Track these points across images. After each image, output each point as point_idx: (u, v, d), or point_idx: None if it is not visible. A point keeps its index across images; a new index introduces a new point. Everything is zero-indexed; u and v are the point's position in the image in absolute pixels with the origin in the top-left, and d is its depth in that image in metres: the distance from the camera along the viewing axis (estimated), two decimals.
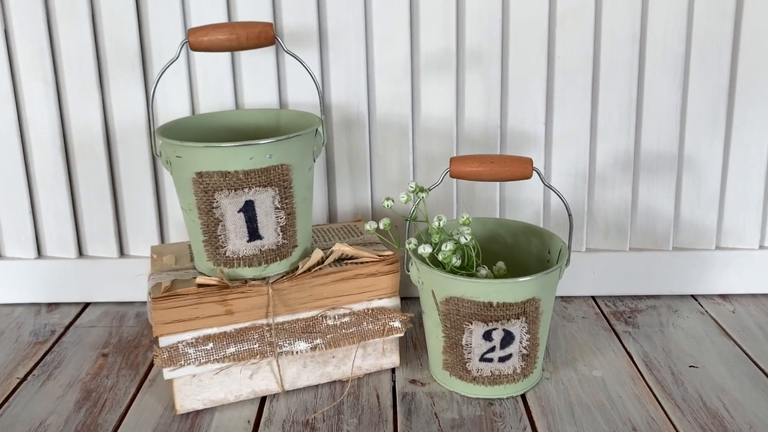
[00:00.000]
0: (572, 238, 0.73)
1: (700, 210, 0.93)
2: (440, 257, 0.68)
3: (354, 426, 0.69)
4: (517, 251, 0.82)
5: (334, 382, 0.77)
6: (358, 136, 0.90)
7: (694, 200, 0.93)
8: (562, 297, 0.96)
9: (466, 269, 0.73)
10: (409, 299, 0.95)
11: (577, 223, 0.93)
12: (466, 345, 0.70)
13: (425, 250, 0.68)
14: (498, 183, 0.92)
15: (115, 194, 0.93)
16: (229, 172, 0.66)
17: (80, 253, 0.95)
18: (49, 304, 0.96)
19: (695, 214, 0.93)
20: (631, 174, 0.92)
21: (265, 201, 0.68)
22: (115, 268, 0.94)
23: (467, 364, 0.72)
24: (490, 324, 0.69)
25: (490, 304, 0.68)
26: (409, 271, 0.75)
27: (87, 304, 0.96)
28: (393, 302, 0.76)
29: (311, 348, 0.73)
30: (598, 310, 0.92)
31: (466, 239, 0.69)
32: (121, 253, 0.95)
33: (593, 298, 0.96)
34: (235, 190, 0.67)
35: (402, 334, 0.77)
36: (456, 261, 0.69)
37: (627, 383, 0.76)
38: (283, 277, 0.71)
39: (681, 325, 0.88)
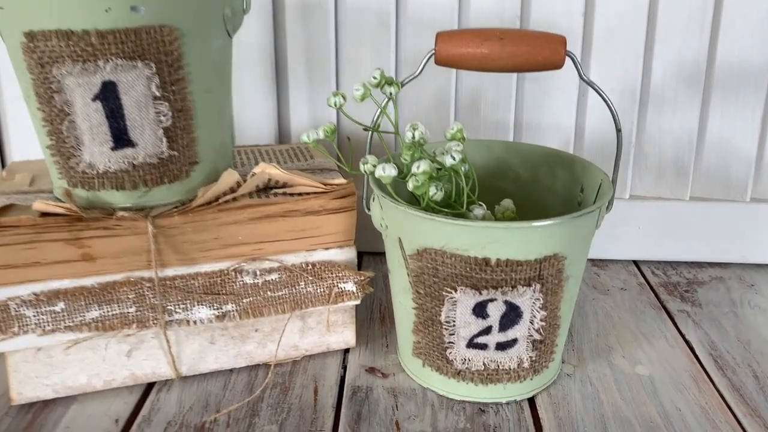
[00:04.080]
0: (619, 166, 0.48)
1: None
2: (411, 186, 0.44)
3: None
4: (535, 190, 0.56)
5: (258, 366, 0.53)
6: (320, 27, 0.65)
7: None
8: (592, 260, 0.71)
9: (453, 208, 0.48)
10: (374, 255, 0.70)
11: (623, 162, 0.67)
12: (448, 322, 0.46)
13: (387, 171, 0.43)
14: (513, 98, 0.66)
15: None
16: (73, 33, 0.41)
17: None
18: None
19: None
20: (699, 93, 0.65)
21: (135, 84, 0.43)
22: None
23: (449, 351, 0.47)
24: (484, 292, 0.44)
25: (487, 261, 0.43)
26: (369, 209, 0.51)
27: None
28: (345, 255, 0.52)
29: (218, 316, 0.49)
30: (643, 280, 0.67)
31: (453, 159, 0.44)
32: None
33: (636, 263, 0.71)
34: (85, 63, 0.42)
35: (358, 302, 0.52)
36: (436, 193, 0.44)
37: (688, 388, 0.51)
38: (173, 209, 0.47)
39: (761, 305, 0.63)
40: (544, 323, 0.46)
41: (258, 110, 0.67)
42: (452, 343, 0.47)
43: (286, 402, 0.49)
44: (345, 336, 0.54)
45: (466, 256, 0.43)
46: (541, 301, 0.45)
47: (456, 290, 0.44)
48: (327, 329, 0.53)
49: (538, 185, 0.56)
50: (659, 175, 0.69)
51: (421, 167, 0.42)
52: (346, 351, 0.55)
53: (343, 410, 0.48)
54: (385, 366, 0.53)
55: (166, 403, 0.49)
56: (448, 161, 0.44)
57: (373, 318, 0.60)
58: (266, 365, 0.53)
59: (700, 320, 0.60)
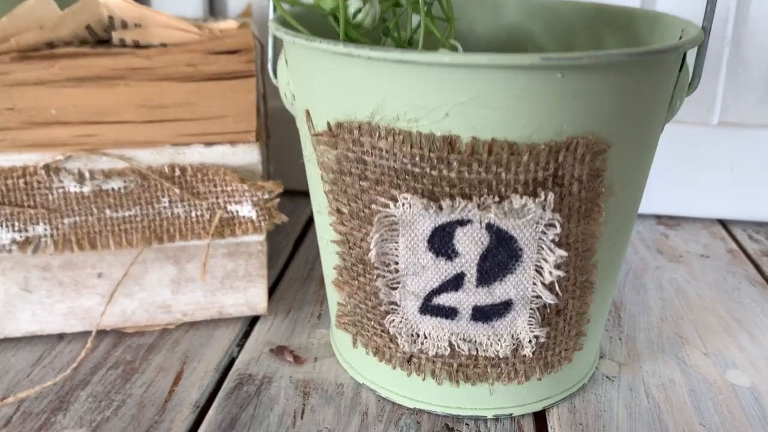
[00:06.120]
0: (714, 8, 0.26)
1: None
2: None
3: None
4: None
5: (107, 333, 0.34)
6: None
7: None
8: (657, 216, 0.49)
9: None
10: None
11: (709, 67, 0.45)
12: (385, 264, 0.26)
13: None
14: None
15: None
16: None
17: None
18: None
19: None
20: None
21: None
22: None
23: (389, 319, 0.27)
24: (448, 205, 0.23)
25: (452, 143, 0.23)
26: (276, 75, 0.30)
27: None
28: (240, 156, 0.32)
29: (20, 243, 0.30)
30: (735, 246, 0.45)
31: None
32: None
33: (723, 222, 0.48)
34: None
35: (261, 237, 0.32)
36: (361, 10, 0.24)
37: None
38: None
39: None
40: (564, 274, 0.25)
41: None
42: (394, 303, 0.26)
43: (121, 392, 0.29)
44: (249, 296, 0.34)
45: (414, 134, 0.23)
46: (558, 230, 0.24)
47: (396, 201, 0.24)
48: (219, 282, 0.33)
49: None
50: (763, 95, 0.46)
51: None
52: (254, 320, 0.35)
53: (210, 413, 0.28)
54: (306, 345, 0.33)
55: None
56: None
57: (312, 276, 0.40)
58: (118, 331, 0.34)
59: None
